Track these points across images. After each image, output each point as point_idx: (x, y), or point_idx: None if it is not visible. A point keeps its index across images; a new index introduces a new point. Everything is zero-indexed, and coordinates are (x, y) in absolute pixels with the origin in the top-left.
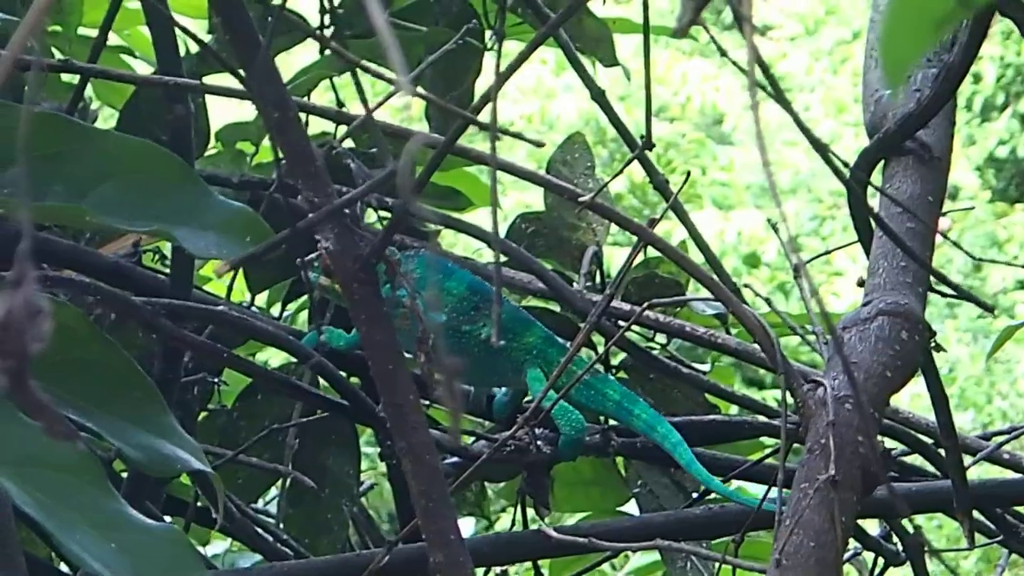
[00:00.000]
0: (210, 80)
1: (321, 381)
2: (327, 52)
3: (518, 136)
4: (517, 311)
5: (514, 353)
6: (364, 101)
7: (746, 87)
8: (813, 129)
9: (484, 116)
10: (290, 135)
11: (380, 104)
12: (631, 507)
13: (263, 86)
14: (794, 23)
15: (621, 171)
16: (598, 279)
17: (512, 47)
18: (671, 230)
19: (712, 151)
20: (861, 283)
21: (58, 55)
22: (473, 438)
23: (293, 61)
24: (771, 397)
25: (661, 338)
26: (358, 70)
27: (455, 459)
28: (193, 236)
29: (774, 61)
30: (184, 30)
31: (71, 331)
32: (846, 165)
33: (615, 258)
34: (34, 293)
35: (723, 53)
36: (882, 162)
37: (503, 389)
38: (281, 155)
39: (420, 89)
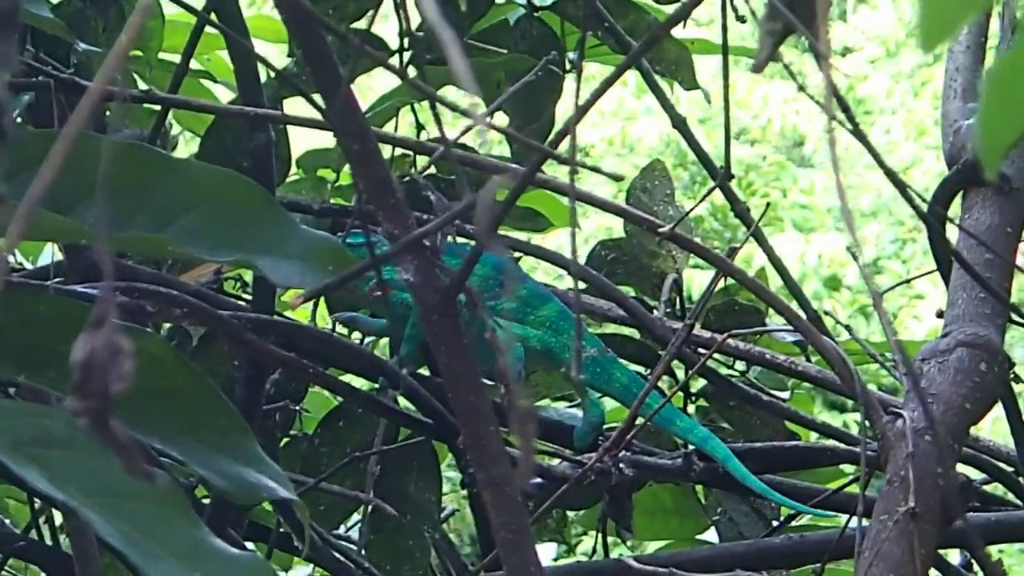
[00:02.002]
0: (291, 103)
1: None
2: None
3: (596, 170)
4: (536, 286)
5: (531, 327)
6: (442, 133)
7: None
8: (894, 152)
9: (564, 145)
10: (370, 166)
11: (458, 138)
12: (710, 535)
13: (343, 118)
14: (875, 46)
15: (701, 201)
16: (678, 306)
17: (593, 70)
18: (752, 253)
19: (793, 174)
20: (940, 314)
21: (139, 80)
22: (558, 459)
23: (373, 84)
24: (851, 421)
25: (741, 365)
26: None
27: (539, 480)
28: (276, 265)
29: (855, 83)
30: (263, 61)
31: (156, 360)
32: (924, 200)
33: (695, 281)
34: (116, 333)
35: (801, 88)
36: (961, 192)
37: (583, 417)
38: (361, 186)
39: (499, 121)
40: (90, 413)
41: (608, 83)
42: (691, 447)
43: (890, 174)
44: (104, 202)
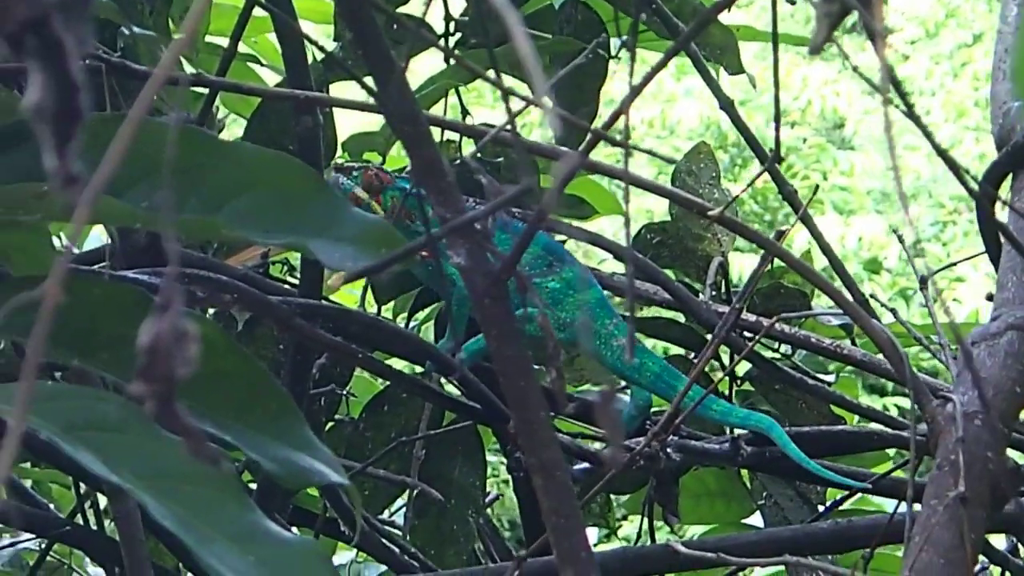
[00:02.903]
0: (336, 87)
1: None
2: (452, 61)
3: (650, 152)
4: (582, 270)
5: (568, 308)
6: (510, 112)
7: (866, 92)
8: (933, 134)
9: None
10: (422, 149)
11: (513, 118)
12: (755, 519)
13: (395, 101)
14: (914, 26)
15: (751, 184)
16: (723, 289)
17: (638, 53)
18: (793, 236)
19: (833, 156)
20: (990, 297)
21: (186, 64)
22: (604, 444)
23: (417, 67)
24: (892, 404)
25: (785, 348)
26: (489, 81)
27: (585, 465)
28: (328, 248)
29: (895, 65)
30: (312, 42)
31: (207, 343)
32: (975, 179)
33: (737, 265)
34: (181, 317)
35: (854, 68)
36: (1011, 174)
37: (630, 401)
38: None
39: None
40: (156, 397)
41: (660, 66)
42: (737, 431)
43: (943, 154)
44: (167, 187)
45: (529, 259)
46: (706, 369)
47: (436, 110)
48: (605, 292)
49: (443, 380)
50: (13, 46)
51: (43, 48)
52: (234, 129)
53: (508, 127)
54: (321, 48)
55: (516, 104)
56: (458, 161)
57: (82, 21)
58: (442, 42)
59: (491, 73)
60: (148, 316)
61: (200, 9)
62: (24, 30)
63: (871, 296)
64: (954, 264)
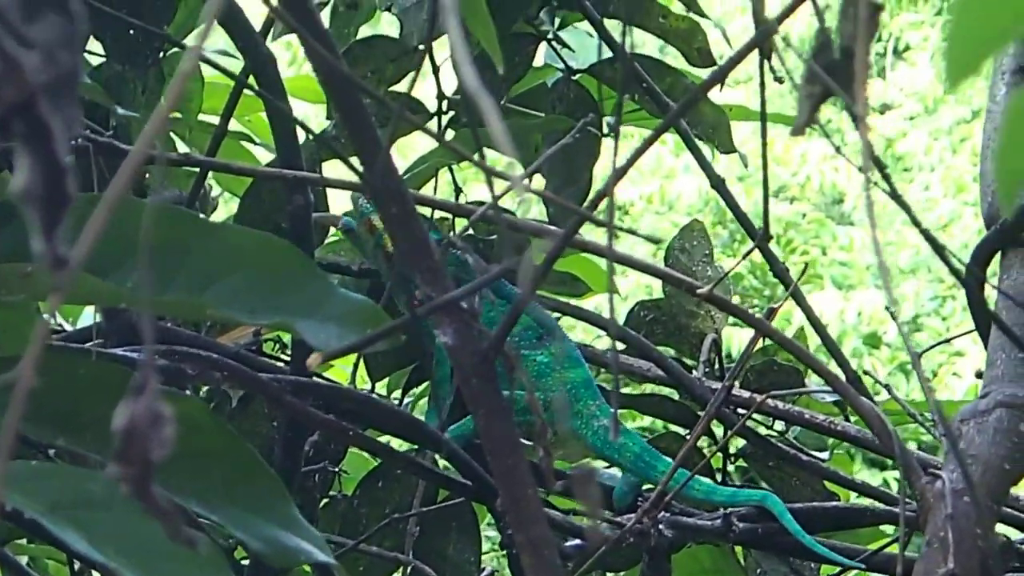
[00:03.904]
0: (330, 164)
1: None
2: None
3: (633, 232)
4: (573, 349)
5: (552, 384)
6: (493, 195)
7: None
8: (932, 209)
9: (601, 206)
10: (408, 229)
11: (497, 200)
12: None
13: (381, 180)
14: (913, 102)
15: (739, 263)
16: (717, 366)
17: (631, 131)
18: (791, 310)
19: (832, 231)
20: (979, 375)
21: (178, 142)
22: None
23: (411, 143)
24: (891, 478)
25: (780, 424)
26: (473, 163)
27: (577, 542)
28: (314, 328)
29: (894, 140)
30: (302, 125)
31: (193, 422)
32: (961, 262)
33: (735, 339)
34: (157, 399)
35: (838, 150)
36: (1000, 252)
37: (621, 477)
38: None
39: (538, 184)
40: (132, 480)
41: (645, 146)
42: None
43: (927, 235)
44: (145, 267)
45: (519, 330)
46: (702, 445)
47: (429, 187)
48: (592, 370)
49: (437, 457)
50: (0, 129)
51: (31, 131)
52: (231, 205)
53: (489, 205)
54: (308, 130)
55: (501, 184)
56: (444, 241)
57: (70, 104)
58: (434, 120)
59: (478, 153)
60: (124, 398)
61: (179, 89)
62: (11, 113)
63: (865, 372)
64: (947, 341)
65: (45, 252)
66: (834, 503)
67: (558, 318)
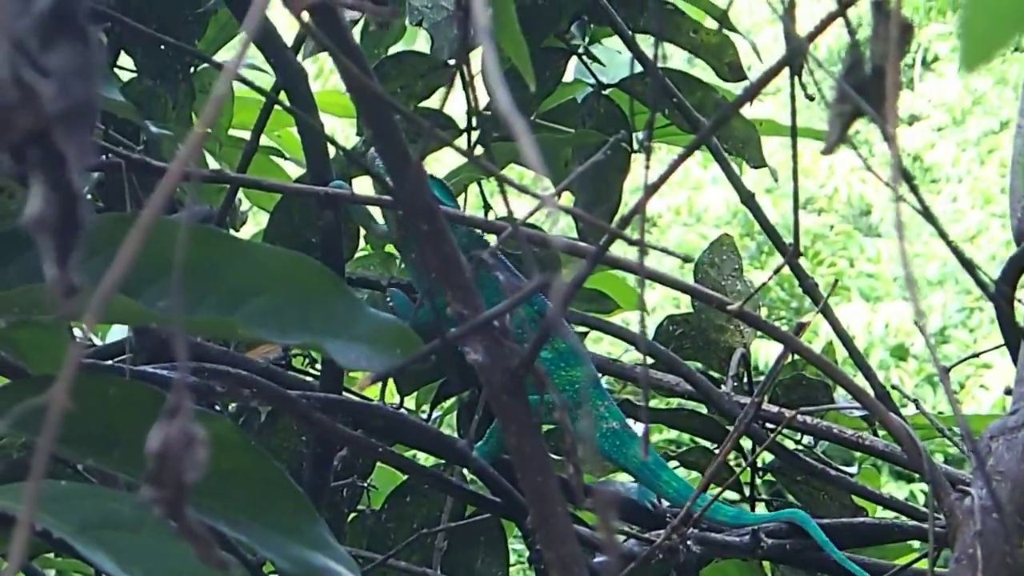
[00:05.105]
0: (360, 180)
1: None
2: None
3: (664, 250)
4: (577, 346)
5: (559, 382)
6: (510, 212)
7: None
8: (960, 221)
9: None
10: (439, 246)
11: (527, 217)
12: None
13: (411, 197)
14: (941, 113)
15: (769, 280)
16: (745, 380)
17: (657, 145)
18: (819, 324)
19: (860, 243)
20: (1008, 391)
21: (209, 157)
22: (624, 537)
23: (441, 157)
24: (919, 491)
25: (808, 439)
26: (500, 179)
27: (606, 558)
28: (343, 348)
29: (922, 152)
30: (332, 141)
31: (222, 441)
32: (989, 277)
33: (763, 353)
34: (190, 422)
35: (867, 166)
36: None
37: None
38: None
39: (567, 202)
40: (164, 502)
41: (677, 163)
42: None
43: (955, 251)
44: (177, 288)
45: (519, 321)
46: (730, 459)
47: (461, 204)
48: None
49: (466, 473)
50: (15, 157)
51: (45, 159)
52: (261, 218)
53: (517, 222)
54: (338, 146)
55: (530, 200)
56: (477, 260)
57: (85, 131)
58: (464, 136)
59: (515, 166)
60: (157, 420)
61: (216, 106)
62: (27, 142)
63: (894, 387)
64: (975, 356)
65: (57, 279)
66: (862, 519)
67: (586, 333)
